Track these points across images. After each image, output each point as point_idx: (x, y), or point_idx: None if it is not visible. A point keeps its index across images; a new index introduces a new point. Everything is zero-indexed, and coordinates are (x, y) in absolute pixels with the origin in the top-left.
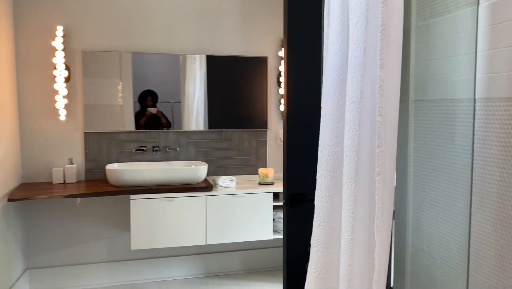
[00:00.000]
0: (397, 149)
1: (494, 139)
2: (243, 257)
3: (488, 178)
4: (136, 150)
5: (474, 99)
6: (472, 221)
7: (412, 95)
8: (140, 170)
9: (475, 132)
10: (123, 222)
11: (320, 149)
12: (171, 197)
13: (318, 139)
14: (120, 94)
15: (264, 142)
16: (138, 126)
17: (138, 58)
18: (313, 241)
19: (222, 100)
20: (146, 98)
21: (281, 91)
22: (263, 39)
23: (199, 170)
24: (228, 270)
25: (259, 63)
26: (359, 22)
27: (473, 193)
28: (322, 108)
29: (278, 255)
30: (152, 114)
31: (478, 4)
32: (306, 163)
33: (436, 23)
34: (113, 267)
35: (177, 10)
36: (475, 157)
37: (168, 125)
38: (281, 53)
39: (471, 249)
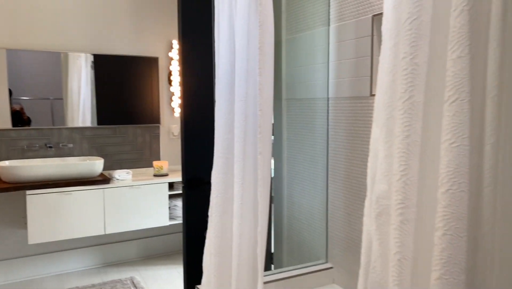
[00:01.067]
0: (274, 139)
1: (342, 128)
2: (141, 245)
3: (338, 158)
4: (28, 147)
5: (328, 98)
6: (328, 191)
7: (284, 95)
8: (36, 166)
9: (329, 123)
10: (16, 219)
11: (216, 136)
12: (68, 191)
13: (210, 131)
14: None
15: (157, 137)
16: (15, 123)
17: (15, 55)
18: (211, 210)
19: (114, 97)
20: None
21: (172, 89)
22: (154, 40)
23: (95, 164)
24: (127, 258)
25: (150, 62)
26: (242, 39)
27: (328, 170)
28: (216, 105)
29: (174, 240)
30: (16, 111)
31: (329, 25)
32: (201, 151)
33: (301, 37)
34: (7, 265)
35: (63, 7)
36: (329, 142)
37: (28, 121)
38: (172, 54)
39: (328, 212)
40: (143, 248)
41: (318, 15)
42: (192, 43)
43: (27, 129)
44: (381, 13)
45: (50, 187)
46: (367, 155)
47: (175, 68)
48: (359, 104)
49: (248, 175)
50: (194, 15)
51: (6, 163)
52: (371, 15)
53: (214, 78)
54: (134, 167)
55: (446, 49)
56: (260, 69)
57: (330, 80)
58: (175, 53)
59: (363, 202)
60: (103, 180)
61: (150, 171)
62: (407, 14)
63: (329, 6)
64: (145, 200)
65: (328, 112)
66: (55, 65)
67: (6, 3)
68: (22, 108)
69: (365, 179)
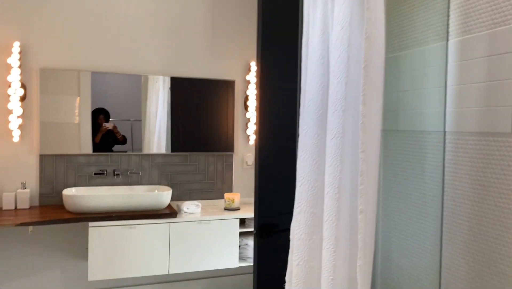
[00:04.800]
0: None
1: (465, 173)
2: (207, 285)
3: (459, 211)
4: (95, 174)
5: (444, 132)
6: (443, 253)
7: (382, 125)
8: (100, 196)
9: (445, 164)
10: (80, 251)
11: (298, 183)
12: (132, 224)
13: (291, 168)
14: (76, 112)
15: (230, 166)
16: (95, 146)
17: (98, 78)
18: (292, 279)
19: (187, 122)
20: (98, 116)
21: (248, 114)
22: (231, 62)
23: (163, 196)
24: None
25: (226, 86)
26: (340, 56)
27: (443, 225)
28: (299, 141)
29: (243, 282)
30: (108, 130)
31: (447, 40)
32: (278, 192)
33: (405, 56)
34: None
35: (142, 30)
36: (445, 189)
37: (124, 140)
38: (249, 76)
39: (442, 281)
40: (210, 288)
41: (431, 29)
42: (271, 62)
43: (96, 155)
44: None
45: (113, 219)
46: (504, 213)
47: (252, 92)
48: (494, 143)
49: (343, 240)
50: (276, 30)
51: (72, 191)
52: None
53: (299, 105)
54: (204, 198)
55: None
56: (364, 96)
57: (448, 110)
58: (252, 76)
59: (498, 277)
60: (170, 213)
61: (221, 203)
62: None
63: (448, 16)
64: (213, 238)
65: (444, 151)
66: (137, 89)
67: (92, 30)
68: (114, 127)
69: (500, 246)
